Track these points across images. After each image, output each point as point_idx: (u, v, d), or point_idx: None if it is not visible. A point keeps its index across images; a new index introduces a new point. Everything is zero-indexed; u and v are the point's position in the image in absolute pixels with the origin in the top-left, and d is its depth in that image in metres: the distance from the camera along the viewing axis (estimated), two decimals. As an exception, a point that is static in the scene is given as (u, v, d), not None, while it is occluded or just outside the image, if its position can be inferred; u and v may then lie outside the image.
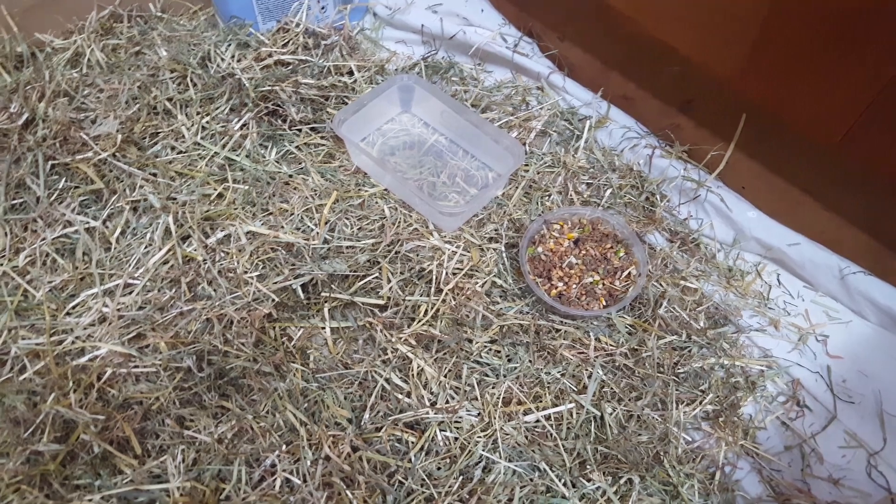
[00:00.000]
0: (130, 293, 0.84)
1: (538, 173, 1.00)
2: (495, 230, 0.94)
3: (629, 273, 0.88)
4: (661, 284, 0.90)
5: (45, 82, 1.02)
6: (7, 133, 0.95)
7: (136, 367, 0.76)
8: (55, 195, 0.93)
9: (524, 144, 1.01)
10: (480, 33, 1.15)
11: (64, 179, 0.94)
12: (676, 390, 0.82)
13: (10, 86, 1.02)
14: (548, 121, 1.06)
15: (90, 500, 0.70)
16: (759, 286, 0.95)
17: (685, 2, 0.90)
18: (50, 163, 0.94)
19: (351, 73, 1.08)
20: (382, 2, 1.21)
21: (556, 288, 0.86)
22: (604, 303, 0.86)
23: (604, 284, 0.87)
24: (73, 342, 0.79)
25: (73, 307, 0.84)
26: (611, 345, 0.84)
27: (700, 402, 0.82)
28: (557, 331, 0.85)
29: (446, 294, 0.85)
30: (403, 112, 1.07)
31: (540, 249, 0.90)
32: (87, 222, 0.90)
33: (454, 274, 0.88)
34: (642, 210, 0.99)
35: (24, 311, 0.84)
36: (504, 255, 0.91)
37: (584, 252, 0.90)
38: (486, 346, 0.83)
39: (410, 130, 1.06)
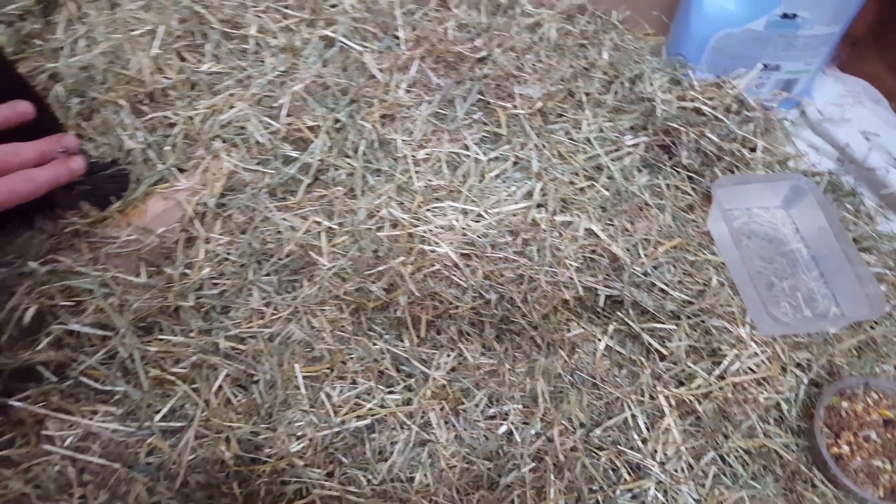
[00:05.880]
0: (478, 221, 0.98)
1: (884, 336, 0.92)
2: (808, 360, 0.89)
3: (928, 485, 0.78)
4: (956, 521, 0.79)
5: (508, 34, 1.21)
6: (464, 59, 1.15)
7: (454, 274, 0.90)
8: (467, 121, 1.11)
9: (888, 302, 0.94)
10: (905, 180, 1.08)
11: (480, 114, 1.11)
12: None
13: (483, 25, 1.23)
14: (927, 295, 0.96)
15: (375, 345, 0.85)
16: None
17: None
18: (478, 96, 1.12)
19: (753, 150, 1.09)
20: (819, 105, 1.19)
21: (839, 448, 0.80)
22: (881, 494, 0.78)
23: (892, 477, 0.79)
24: (424, 231, 0.95)
25: (434, 207, 1.00)
26: (863, 536, 0.76)
27: None
28: (815, 486, 0.80)
29: (728, 384, 0.85)
30: (781, 208, 1.06)
31: (844, 404, 0.84)
32: (478, 154, 1.06)
33: (745, 372, 0.86)
34: (981, 440, 0.86)
35: (402, 190, 1.03)
36: (803, 387, 0.87)
37: (889, 435, 0.82)
38: (737, 450, 0.81)
39: (778, 227, 1.04)
